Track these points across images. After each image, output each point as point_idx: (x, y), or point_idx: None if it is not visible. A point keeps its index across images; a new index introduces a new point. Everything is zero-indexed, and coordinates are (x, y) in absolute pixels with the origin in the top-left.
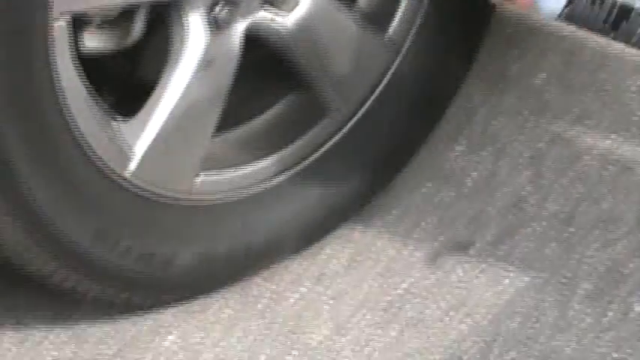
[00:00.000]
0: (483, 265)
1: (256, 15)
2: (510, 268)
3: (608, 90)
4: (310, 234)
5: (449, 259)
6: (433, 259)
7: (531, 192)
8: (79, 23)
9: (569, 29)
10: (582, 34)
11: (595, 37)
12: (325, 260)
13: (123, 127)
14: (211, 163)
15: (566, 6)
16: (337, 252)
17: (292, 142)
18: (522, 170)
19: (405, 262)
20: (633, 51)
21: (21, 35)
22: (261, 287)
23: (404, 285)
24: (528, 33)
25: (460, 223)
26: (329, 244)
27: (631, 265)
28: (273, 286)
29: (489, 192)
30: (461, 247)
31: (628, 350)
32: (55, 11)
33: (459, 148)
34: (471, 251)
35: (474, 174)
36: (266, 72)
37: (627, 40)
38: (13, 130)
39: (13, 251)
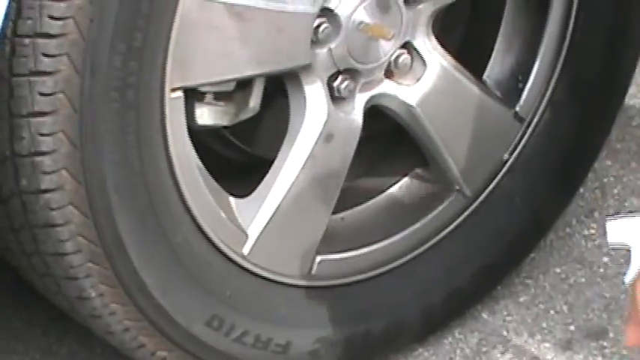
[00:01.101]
0: (619, 355)
1: (379, 87)
2: None
3: None
4: (433, 319)
5: (582, 347)
6: (565, 347)
7: None
8: (192, 98)
9: None
10: None
11: None
12: (450, 347)
13: (238, 205)
14: (330, 245)
15: None
16: (463, 339)
17: (414, 223)
18: None
19: (535, 350)
20: None
21: (134, 111)
22: None
23: None
24: None
25: (594, 309)
26: (454, 330)
27: None
28: None
29: (624, 276)
30: (595, 335)
31: None
32: (168, 87)
33: (591, 229)
34: (606, 339)
35: (608, 257)
36: (387, 148)
37: None
38: (125, 211)
39: (123, 338)
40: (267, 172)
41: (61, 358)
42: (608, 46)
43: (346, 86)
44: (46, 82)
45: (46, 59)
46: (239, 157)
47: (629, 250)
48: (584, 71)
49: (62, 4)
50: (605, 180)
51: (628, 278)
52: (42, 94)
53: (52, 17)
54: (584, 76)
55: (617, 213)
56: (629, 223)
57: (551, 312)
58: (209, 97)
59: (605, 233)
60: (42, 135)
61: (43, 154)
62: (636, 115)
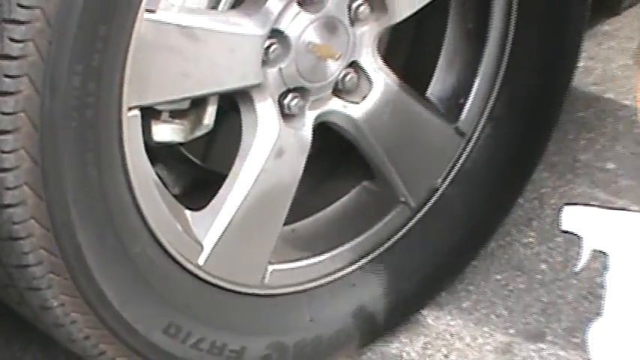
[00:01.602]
0: (556, 356)
1: (327, 104)
2: (584, 358)
3: None
4: (381, 325)
5: (521, 350)
6: (506, 349)
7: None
8: (149, 116)
9: None
10: None
11: None
12: (397, 351)
13: (193, 218)
14: (281, 255)
15: None
16: (409, 343)
17: (362, 233)
18: (595, 258)
19: (477, 352)
20: None
21: (92, 129)
22: None
23: None
24: (598, 120)
25: (532, 313)
26: (400, 335)
27: None
28: None
29: (561, 282)
30: (533, 338)
31: None
32: (126, 106)
33: (529, 237)
34: (544, 341)
35: (545, 264)
36: (336, 163)
37: None
38: (85, 225)
39: (84, 346)
40: (221, 186)
41: None
42: (544, 64)
43: (296, 104)
44: (7, 102)
45: (8, 80)
46: (194, 172)
47: (578, 237)
48: (521, 88)
49: (22, 27)
50: (543, 191)
51: (578, 268)
52: (4, 113)
53: (12, 40)
54: (522, 93)
55: (556, 219)
56: (583, 211)
57: (492, 316)
58: (165, 115)
59: (542, 242)
60: (4, 152)
61: (5, 170)
62: (571, 130)
